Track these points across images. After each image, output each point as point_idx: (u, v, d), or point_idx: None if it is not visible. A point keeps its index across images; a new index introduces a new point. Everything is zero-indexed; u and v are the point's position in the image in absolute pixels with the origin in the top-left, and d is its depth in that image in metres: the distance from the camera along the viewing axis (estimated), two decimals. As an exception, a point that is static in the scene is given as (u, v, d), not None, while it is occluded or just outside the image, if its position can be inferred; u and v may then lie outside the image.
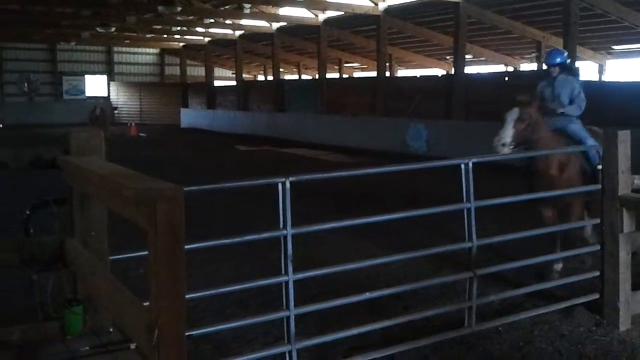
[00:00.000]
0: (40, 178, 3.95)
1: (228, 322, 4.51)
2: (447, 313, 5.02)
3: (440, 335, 4.73)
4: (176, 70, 41.93)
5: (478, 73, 26.00)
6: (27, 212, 3.47)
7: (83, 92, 39.93)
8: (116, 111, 38.94)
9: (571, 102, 6.75)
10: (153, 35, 34.73)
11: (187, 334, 2.31)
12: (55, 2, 24.58)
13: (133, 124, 32.46)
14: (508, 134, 6.22)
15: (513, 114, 6.32)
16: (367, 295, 4.51)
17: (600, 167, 5.76)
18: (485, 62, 29.61)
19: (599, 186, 5.21)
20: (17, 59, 37.74)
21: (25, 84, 38.14)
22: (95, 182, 2.71)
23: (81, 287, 3.14)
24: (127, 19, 26.96)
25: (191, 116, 35.56)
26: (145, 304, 2.32)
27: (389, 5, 23.10)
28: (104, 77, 40.89)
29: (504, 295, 5.35)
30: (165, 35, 35.19)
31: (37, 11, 26.53)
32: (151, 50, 42.36)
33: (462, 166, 4.78)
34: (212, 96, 35.59)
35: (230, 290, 4.32)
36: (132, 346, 2.91)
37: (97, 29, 29.23)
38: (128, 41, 37.35)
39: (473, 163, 4.80)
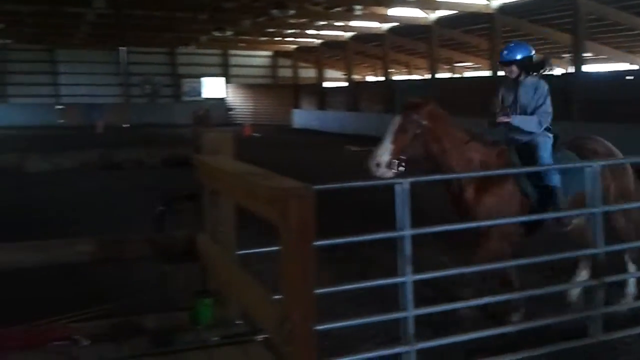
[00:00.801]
0: (173, 176, 4.17)
1: (343, 320, 4.56)
2: (566, 322, 4.84)
3: (560, 344, 4.57)
4: (288, 72, 42.82)
5: (598, 72, 24.79)
6: (161, 208, 3.68)
7: (201, 94, 41.61)
8: (231, 112, 40.31)
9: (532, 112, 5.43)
10: (266, 38, 35.66)
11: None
12: (175, 7, 25.75)
13: (247, 124, 33.42)
14: (385, 150, 4.94)
15: (393, 123, 5.10)
16: (487, 300, 4.44)
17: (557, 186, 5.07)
18: (606, 60, 28.19)
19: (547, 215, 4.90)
20: (140, 63, 39.87)
21: (148, 86, 40.26)
22: (227, 180, 2.83)
23: (211, 280, 3.28)
24: (242, 23, 27.88)
25: (303, 117, 36.21)
26: (275, 297, 2.41)
27: (503, 3, 22.51)
28: (221, 80, 42.40)
29: (634, 305, 5.09)
30: (278, 38, 36.02)
31: (159, 17, 27.92)
32: (264, 53, 43.48)
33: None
34: (322, 97, 36.06)
35: (356, 288, 4.37)
36: (259, 338, 3.02)
37: (214, 33, 30.42)
38: (243, 44, 38.55)
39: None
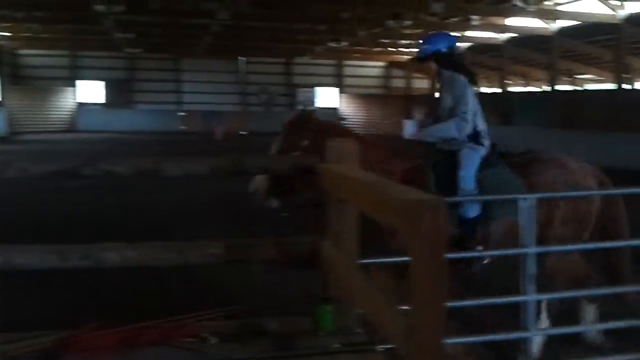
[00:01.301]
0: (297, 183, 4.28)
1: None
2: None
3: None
4: (401, 83, 42.68)
5: None
6: (284, 214, 3.79)
7: (314, 103, 42.31)
8: (343, 122, 40.68)
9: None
10: (381, 48, 35.75)
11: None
12: (294, 19, 26.37)
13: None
14: (260, 178, 4.30)
15: (274, 146, 4.53)
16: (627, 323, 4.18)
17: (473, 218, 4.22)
18: None
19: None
20: (258, 72, 41.13)
21: (264, 95, 41.43)
22: (353, 188, 2.87)
23: (333, 287, 3.33)
24: (357, 33, 28.12)
25: (414, 128, 35.89)
26: (402, 308, 2.41)
27: (630, 14, 21.38)
28: (334, 90, 42.94)
29: None
30: (392, 49, 36.01)
31: (278, 28, 28.70)
32: (378, 63, 43.61)
33: None
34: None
35: (475, 305, 4.26)
36: (381, 348, 3.03)
37: (330, 43, 30.86)
38: (357, 55, 38.86)
39: None
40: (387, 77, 44.44)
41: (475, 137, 4.65)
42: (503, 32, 28.01)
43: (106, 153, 21.71)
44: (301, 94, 42.60)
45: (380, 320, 2.62)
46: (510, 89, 33.11)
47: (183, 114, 39.26)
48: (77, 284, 4.96)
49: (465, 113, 4.57)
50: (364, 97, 42.54)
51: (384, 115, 40.27)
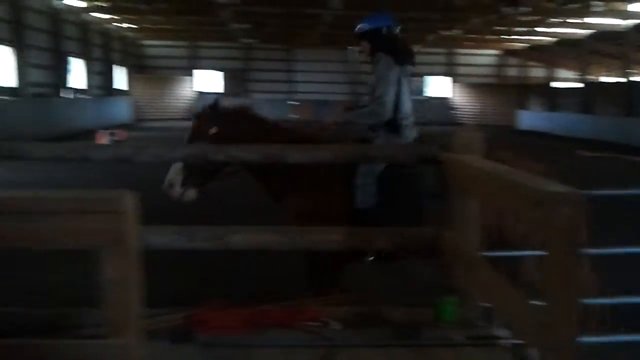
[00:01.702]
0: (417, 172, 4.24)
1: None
2: None
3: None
4: (515, 72, 41.33)
5: None
6: (407, 203, 3.77)
7: (424, 92, 41.81)
8: (454, 112, 39.97)
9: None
10: (495, 36, 34.75)
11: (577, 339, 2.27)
12: (407, 7, 26.10)
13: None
14: (175, 168, 4.23)
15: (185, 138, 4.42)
16: None
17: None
18: None
19: None
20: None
21: (374, 85, 41.38)
22: (482, 179, 2.81)
23: (455, 278, 3.28)
24: (471, 21, 27.45)
25: (529, 118, 34.75)
26: (534, 302, 2.34)
27: None
28: (446, 79, 42.20)
29: None
30: (507, 37, 34.92)
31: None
32: (491, 52, 42.43)
33: None
34: (552, 98, 34.28)
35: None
36: (506, 343, 2.96)
37: (442, 31, 30.34)
38: (470, 43, 37.97)
39: None
40: (501, 65, 43.16)
41: (394, 125, 4.36)
42: (626, 18, 26.41)
43: None
44: (411, 83, 42.14)
45: (510, 315, 2.56)
46: (634, 78, 31.26)
47: (294, 103, 39.93)
48: (205, 264, 5.17)
49: (380, 97, 4.30)
50: (477, 87, 41.55)
51: (497, 105, 39.22)
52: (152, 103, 37.49)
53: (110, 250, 1.71)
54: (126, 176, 12.49)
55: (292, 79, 41.92)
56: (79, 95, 28.18)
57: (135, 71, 39.23)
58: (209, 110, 4.50)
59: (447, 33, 30.53)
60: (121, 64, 36.59)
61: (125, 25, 33.39)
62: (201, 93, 40.22)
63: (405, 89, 4.43)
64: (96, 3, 26.72)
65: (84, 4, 26.97)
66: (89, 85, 30.08)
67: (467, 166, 3.05)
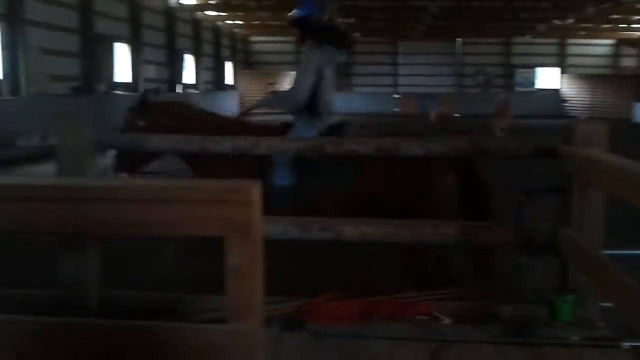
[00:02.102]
0: (537, 166, 4.14)
1: None
2: None
3: None
4: (632, 62, 39.14)
5: None
6: (521, 198, 3.67)
7: (534, 84, 40.43)
8: (565, 104, 38.37)
9: None
10: (610, 25, 33.05)
11: None
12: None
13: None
14: (110, 155, 4.71)
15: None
16: None
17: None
18: None
19: None
20: (474, 53, 40.24)
21: (481, 77, 40.40)
22: (609, 174, 2.68)
23: (574, 277, 3.16)
24: (585, 9, 26.23)
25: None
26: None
27: None
28: (555, 70, 40.60)
29: None
30: (623, 25, 33.13)
31: (497, 7, 27.73)
32: (605, 41, 40.39)
33: None
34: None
35: None
36: (626, 345, 2.83)
37: (554, 21, 29.17)
38: (583, 32, 36.32)
39: None
40: (615, 55, 41.00)
41: (312, 109, 4.50)
42: None
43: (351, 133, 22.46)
44: (520, 74, 40.87)
45: (634, 316, 2.44)
46: None
47: (398, 96, 39.71)
48: (317, 254, 5.24)
49: (295, 85, 4.48)
50: (589, 78, 39.64)
51: (611, 97, 37.28)
52: (258, 97, 38.33)
53: (236, 239, 1.77)
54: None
55: (395, 72, 41.67)
56: (189, 90, 29.28)
57: (242, 67, 40.30)
58: (138, 104, 4.86)
59: (559, 22, 29.30)
60: (229, 59, 37.69)
61: (233, 22, 34.36)
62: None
63: (327, 79, 4.55)
64: (208, 1, 27.68)
65: (196, 2, 27.98)
66: (199, 80, 31.19)
67: (593, 160, 2.92)
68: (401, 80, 41.44)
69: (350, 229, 3.42)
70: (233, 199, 1.72)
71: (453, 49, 40.64)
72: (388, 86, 41.21)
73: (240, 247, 1.78)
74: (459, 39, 39.68)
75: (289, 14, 4.88)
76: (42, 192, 1.91)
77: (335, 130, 4.56)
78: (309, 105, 4.52)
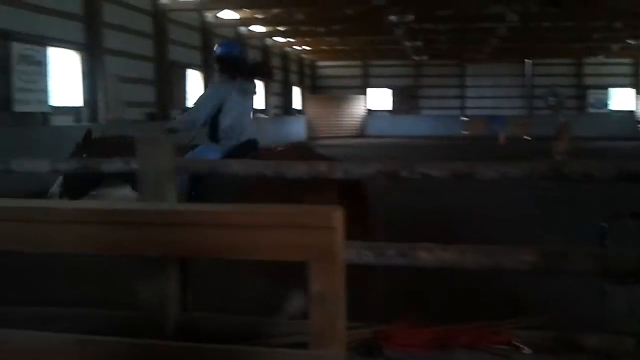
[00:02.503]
0: (623, 191, 4.01)
1: None
2: None
3: None
4: None
5: None
6: (603, 224, 3.55)
7: (607, 105, 39.22)
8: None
9: None
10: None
11: None
12: (587, 16, 24.72)
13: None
14: (59, 180, 5.20)
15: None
16: None
17: None
18: None
19: None
20: (544, 75, 39.41)
21: (552, 98, 39.47)
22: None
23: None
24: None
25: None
26: None
27: None
28: (630, 90, 39.26)
29: None
30: None
31: (567, 27, 27.14)
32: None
33: None
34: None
35: None
36: None
37: (628, 40, 28.32)
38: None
39: None
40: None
41: (212, 137, 5.09)
42: None
43: (417, 157, 22.39)
44: (592, 95, 39.69)
45: None
46: None
47: (465, 119, 39.23)
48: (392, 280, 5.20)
49: (197, 106, 5.13)
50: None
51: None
52: (324, 121, 38.64)
53: (319, 264, 1.78)
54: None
55: (462, 94, 41.24)
56: (259, 115, 29.77)
57: (309, 91, 40.75)
58: (82, 140, 5.44)
59: (633, 42, 28.40)
60: (296, 84, 38.19)
61: (301, 47, 34.85)
62: (371, 111, 40.83)
63: (231, 107, 5.05)
64: (277, 28, 28.20)
65: (265, 29, 28.55)
66: (268, 105, 31.69)
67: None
68: (469, 103, 40.94)
69: (426, 255, 3.38)
70: (317, 224, 1.73)
71: (522, 70, 39.92)
72: (455, 109, 40.78)
73: (324, 273, 1.79)
74: (528, 60, 38.96)
75: (213, 49, 5.60)
76: (131, 217, 1.97)
77: (242, 152, 4.86)
78: (210, 129, 5.11)
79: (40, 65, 14.06)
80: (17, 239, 2.03)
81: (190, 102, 22.73)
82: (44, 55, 14.23)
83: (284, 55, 34.91)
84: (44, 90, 14.21)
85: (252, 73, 5.32)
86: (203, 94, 5.39)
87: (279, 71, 34.12)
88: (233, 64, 5.18)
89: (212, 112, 5.02)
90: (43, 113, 14.39)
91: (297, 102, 38.30)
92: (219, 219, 1.93)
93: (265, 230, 1.87)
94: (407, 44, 29.60)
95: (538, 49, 33.85)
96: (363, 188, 4.44)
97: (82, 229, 1.94)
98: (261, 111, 30.59)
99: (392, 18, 21.27)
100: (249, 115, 5.37)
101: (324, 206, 1.86)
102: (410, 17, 21.18)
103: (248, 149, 4.99)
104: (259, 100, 30.14)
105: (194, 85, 23.43)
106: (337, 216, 1.74)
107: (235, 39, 5.93)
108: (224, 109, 5.02)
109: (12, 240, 2.02)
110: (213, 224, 1.92)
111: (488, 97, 40.15)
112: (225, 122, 5.04)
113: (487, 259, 3.39)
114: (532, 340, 3.15)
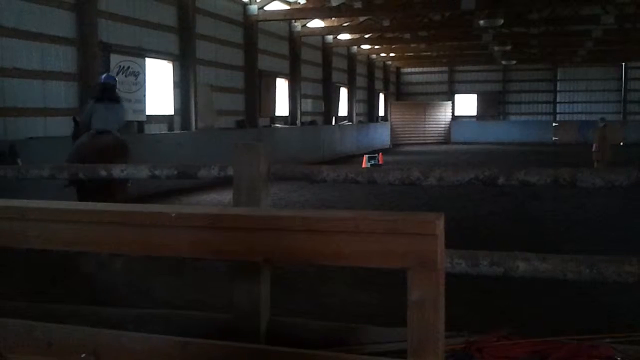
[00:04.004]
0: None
1: None
2: None
3: None
4: None
5: None
6: None
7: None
8: None
9: None
10: None
11: None
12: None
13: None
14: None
15: None
16: None
17: None
18: None
19: None
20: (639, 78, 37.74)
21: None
22: None
23: None
24: None
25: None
26: None
27: None
28: None
29: None
30: None
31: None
32: None
33: None
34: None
35: None
36: None
37: None
38: None
39: None
40: None
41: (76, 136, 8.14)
42: None
43: (516, 163, 21.93)
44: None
45: None
46: None
47: (556, 124, 37.98)
48: (484, 289, 5.09)
49: (83, 114, 8.31)
50: None
51: None
52: (408, 128, 38.38)
53: (420, 272, 1.76)
54: (380, 197, 12.95)
55: (553, 99, 39.91)
56: (343, 122, 29.89)
57: (394, 98, 40.57)
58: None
59: None
60: (381, 91, 38.11)
61: (387, 54, 34.76)
62: (456, 117, 40.18)
63: (98, 117, 7.96)
64: (363, 35, 28.27)
65: (351, 37, 28.68)
66: (353, 112, 31.77)
67: None
68: (560, 108, 39.57)
69: (523, 264, 3.28)
70: (420, 231, 1.72)
71: (616, 74, 38.24)
72: (545, 114, 39.53)
73: (425, 281, 1.77)
74: (623, 63, 37.29)
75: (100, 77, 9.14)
76: (236, 222, 2.02)
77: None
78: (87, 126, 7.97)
79: (138, 75, 14.66)
80: (126, 243, 2.12)
81: (278, 110, 23.11)
82: (141, 66, 14.84)
83: (370, 62, 34.92)
84: (140, 101, 14.80)
85: (108, 98, 8.21)
86: (87, 106, 8.34)
87: (363, 78, 34.16)
88: (100, 90, 8.35)
89: (88, 118, 8.02)
90: (139, 121, 14.99)
91: (381, 108, 38.22)
92: (323, 226, 1.94)
93: (367, 237, 1.87)
94: (496, 48, 28.99)
95: (634, 51, 32.36)
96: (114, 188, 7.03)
97: (195, 234, 2.01)
98: (345, 118, 30.70)
99: (481, 22, 20.92)
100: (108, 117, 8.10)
101: (427, 213, 1.85)
102: (500, 21, 20.74)
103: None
104: (343, 107, 30.29)
105: (282, 93, 23.78)
106: (439, 223, 1.72)
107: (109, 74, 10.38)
108: (92, 117, 7.98)
109: (123, 244, 2.11)
110: (317, 230, 1.94)
111: (580, 102, 38.72)
112: (94, 124, 7.96)
113: (590, 270, 3.26)
114: (636, 356, 3.00)
